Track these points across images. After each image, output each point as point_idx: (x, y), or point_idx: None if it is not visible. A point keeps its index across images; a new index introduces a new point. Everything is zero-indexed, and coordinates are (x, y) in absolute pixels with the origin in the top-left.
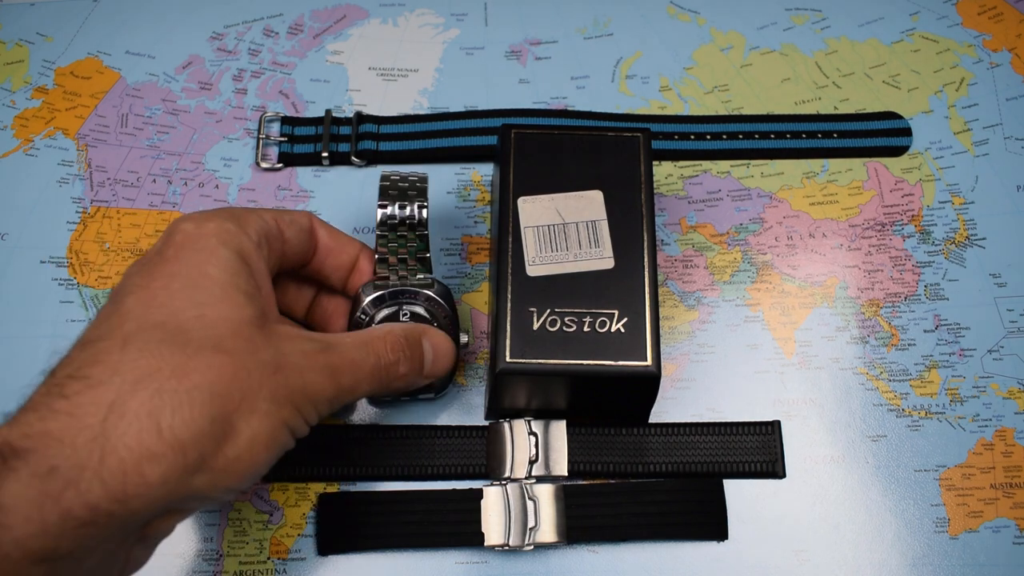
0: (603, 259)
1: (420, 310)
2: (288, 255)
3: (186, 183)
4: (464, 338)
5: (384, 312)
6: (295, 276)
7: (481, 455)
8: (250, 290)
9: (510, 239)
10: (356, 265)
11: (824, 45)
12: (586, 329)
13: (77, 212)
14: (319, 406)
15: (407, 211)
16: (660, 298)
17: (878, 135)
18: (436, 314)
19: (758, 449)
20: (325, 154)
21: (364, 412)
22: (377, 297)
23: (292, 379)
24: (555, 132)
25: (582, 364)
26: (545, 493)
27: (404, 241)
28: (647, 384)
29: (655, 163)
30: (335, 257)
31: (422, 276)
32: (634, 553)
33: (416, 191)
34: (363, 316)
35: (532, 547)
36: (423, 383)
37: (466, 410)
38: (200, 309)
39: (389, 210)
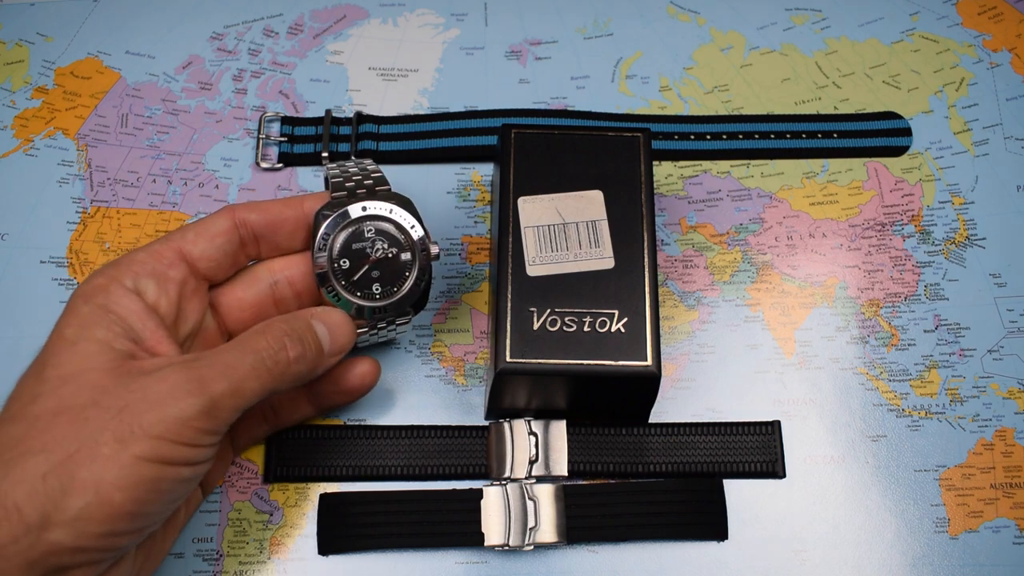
0: (603, 259)
1: (385, 224)
2: (210, 266)
3: (186, 183)
4: (435, 249)
5: (345, 233)
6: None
7: (481, 455)
8: (107, 337)
9: (510, 239)
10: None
11: (824, 45)
12: (586, 329)
13: (77, 212)
14: (193, 424)
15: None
16: (660, 298)
17: (878, 135)
18: (402, 226)
19: (758, 449)
20: (325, 154)
21: (364, 412)
22: (330, 212)
23: (143, 414)
24: (555, 132)
25: (582, 364)
26: (545, 493)
27: (361, 174)
28: (647, 384)
29: (655, 163)
30: (283, 226)
31: (382, 189)
32: (634, 553)
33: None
34: (323, 240)
35: (532, 547)
36: (330, 362)
37: (466, 410)
38: (58, 370)
39: (338, 169)
